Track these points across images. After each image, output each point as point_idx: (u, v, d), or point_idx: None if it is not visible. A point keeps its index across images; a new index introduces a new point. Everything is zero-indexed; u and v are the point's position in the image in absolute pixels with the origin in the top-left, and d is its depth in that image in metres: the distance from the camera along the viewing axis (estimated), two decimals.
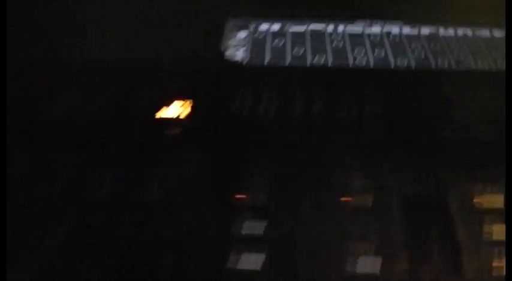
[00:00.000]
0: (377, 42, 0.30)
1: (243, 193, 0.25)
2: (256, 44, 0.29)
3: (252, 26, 0.33)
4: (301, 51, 0.28)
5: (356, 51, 0.28)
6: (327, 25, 0.32)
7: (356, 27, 0.31)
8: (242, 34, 0.31)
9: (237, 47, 0.29)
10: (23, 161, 0.26)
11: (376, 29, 0.31)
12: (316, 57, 0.27)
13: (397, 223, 0.29)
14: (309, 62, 0.27)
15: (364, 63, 0.27)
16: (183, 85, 0.28)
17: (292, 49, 0.28)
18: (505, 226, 0.25)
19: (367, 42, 0.30)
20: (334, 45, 0.29)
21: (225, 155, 0.26)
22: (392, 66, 0.27)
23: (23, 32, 0.36)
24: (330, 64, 0.26)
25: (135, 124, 0.28)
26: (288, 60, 0.27)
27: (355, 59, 0.27)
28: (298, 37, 0.30)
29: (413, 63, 0.29)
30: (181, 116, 0.27)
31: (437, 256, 0.29)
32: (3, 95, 0.29)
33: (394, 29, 0.31)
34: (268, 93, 0.29)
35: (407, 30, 0.31)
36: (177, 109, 0.27)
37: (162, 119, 0.26)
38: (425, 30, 0.31)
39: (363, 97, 0.28)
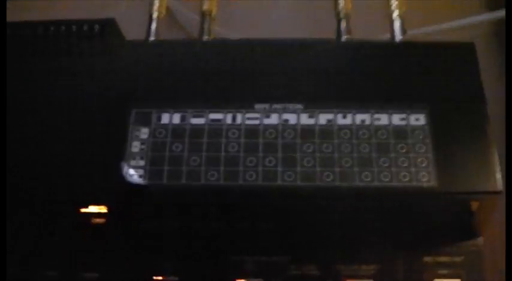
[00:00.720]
0: (272, 139, 0.27)
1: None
2: (156, 150, 0.27)
3: (154, 120, 0.30)
4: (197, 161, 0.27)
5: (248, 160, 0.26)
6: (226, 115, 0.28)
7: (253, 118, 0.27)
8: (143, 133, 0.29)
9: (136, 160, 0.27)
10: None
11: (274, 119, 0.28)
12: (210, 173, 0.26)
13: None
14: (203, 178, 0.26)
15: (253, 177, 0.26)
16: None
17: (189, 158, 0.27)
18: None
19: (261, 142, 0.27)
20: (229, 149, 0.27)
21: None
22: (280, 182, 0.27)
23: None
24: (222, 181, 0.26)
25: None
26: (184, 178, 0.27)
27: (244, 173, 0.26)
28: (197, 136, 0.28)
29: (298, 178, 0.27)
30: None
31: None
32: (3, 94, 0.31)
33: (292, 120, 0.27)
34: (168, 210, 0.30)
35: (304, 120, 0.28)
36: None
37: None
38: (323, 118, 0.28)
39: (255, 215, 0.30)
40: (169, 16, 0.43)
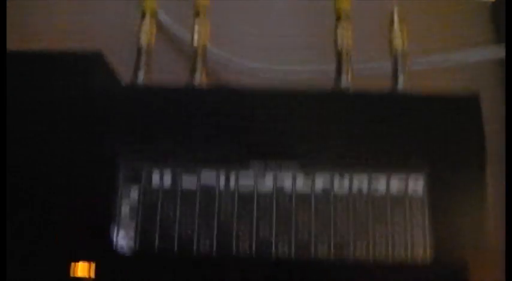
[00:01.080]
0: (266, 204, 0.26)
1: None
2: (147, 212, 0.25)
3: (144, 178, 0.28)
4: (190, 228, 0.25)
5: (241, 229, 0.25)
6: (219, 174, 0.27)
7: (248, 179, 0.26)
8: (133, 193, 0.27)
9: (126, 223, 0.25)
10: None
11: (268, 180, 0.26)
12: (203, 241, 0.25)
13: None
14: (195, 247, 0.25)
15: (246, 248, 0.25)
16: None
17: (181, 223, 0.26)
18: None
19: (255, 208, 0.26)
20: (221, 218, 0.25)
21: None
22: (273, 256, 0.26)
23: None
24: (215, 251, 0.25)
25: None
26: (175, 246, 0.26)
27: (237, 243, 0.25)
28: (189, 199, 0.26)
29: (293, 249, 0.26)
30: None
31: None
32: (3, 95, 0.30)
33: (287, 182, 0.26)
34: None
35: (301, 183, 0.27)
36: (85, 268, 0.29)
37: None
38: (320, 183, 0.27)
39: None
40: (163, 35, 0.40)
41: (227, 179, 0.28)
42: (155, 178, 0.28)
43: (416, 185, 0.28)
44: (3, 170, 0.28)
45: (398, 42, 0.32)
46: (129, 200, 0.28)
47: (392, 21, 0.32)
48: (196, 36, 0.33)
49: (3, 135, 0.29)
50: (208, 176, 0.28)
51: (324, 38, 0.34)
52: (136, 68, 0.33)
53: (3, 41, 0.32)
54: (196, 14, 0.33)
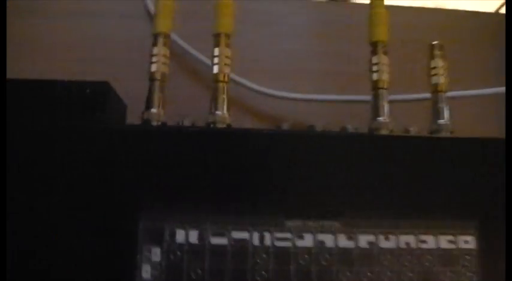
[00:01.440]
0: (305, 265, 0.24)
1: None
2: (171, 277, 0.22)
3: (166, 238, 0.25)
4: None
5: None
6: (251, 235, 0.24)
7: (284, 238, 0.23)
8: (155, 254, 0.24)
9: None
10: None
11: (307, 239, 0.23)
12: None
13: None
14: None
15: None
16: None
17: None
18: None
19: (293, 269, 0.23)
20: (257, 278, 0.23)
21: None
22: None
23: None
24: None
25: None
26: None
27: None
28: (218, 261, 0.23)
29: None
30: None
31: None
32: (3, 95, 0.28)
33: (328, 240, 0.23)
34: None
35: (343, 242, 0.24)
36: None
37: None
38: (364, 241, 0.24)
39: None
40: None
41: (261, 239, 0.25)
42: (179, 238, 0.25)
43: (467, 240, 0.26)
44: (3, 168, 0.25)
45: (439, 78, 0.29)
46: (150, 263, 0.25)
47: (432, 56, 0.29)
48: (217, 68, 0.29)
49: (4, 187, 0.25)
50: (240, 236, 0.25)
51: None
52: (149, 103, 0.29)
53: (3, 42, 0.30)
54: (217, 43, 0.29)
